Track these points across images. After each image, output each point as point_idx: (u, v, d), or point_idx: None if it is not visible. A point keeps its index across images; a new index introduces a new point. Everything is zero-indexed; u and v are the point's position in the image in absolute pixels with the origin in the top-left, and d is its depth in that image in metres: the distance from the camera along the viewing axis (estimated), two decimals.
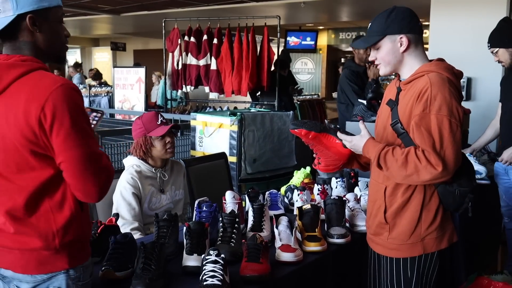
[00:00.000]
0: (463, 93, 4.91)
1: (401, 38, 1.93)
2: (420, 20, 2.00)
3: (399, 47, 1.94)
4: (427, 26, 5.54)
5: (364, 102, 3.50)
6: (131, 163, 2.68)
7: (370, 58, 2.05)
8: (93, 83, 10.30)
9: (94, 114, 1.86)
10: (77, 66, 12.22)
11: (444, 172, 1.77)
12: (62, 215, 1.50)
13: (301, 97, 8.98)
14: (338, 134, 2.05)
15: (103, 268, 1.77)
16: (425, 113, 1.81)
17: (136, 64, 10.54)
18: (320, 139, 2.06)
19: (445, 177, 1.80)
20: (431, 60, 1.99)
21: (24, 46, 1.52)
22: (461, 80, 5.07)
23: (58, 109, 1.42)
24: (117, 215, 2.18)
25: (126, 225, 2.47)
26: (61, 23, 1.60)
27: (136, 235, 2.37)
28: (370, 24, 2.01)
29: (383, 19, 1.95)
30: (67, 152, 1.45)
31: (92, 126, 1.75)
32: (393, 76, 2.11)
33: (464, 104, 4.46)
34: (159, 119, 2.70)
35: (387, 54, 1.96)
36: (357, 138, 1.99)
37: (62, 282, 1.52)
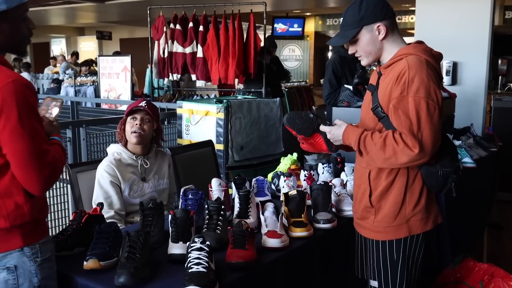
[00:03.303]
0: (449, 77, 4.95)
1: (378, 26, 1.92)
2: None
3: (377, 36, 1.93)
4: (413, 12, 5.53)
5: (350, 87, 3.50)
6: (112, 151, 2.67)
7: (350, 52, 2.03)
8: (79, 68, 10.22)
9: (54, 102, 1.89)
10: (73, 54, 12.17)
11: (421, 154, 1.78)
12: (11, 200, 1.57)
13: (289, 84, 8.97)
14: (321, 127, 2.05)
15: (88, 258, 1.74)
16: (402, 96, 1.82)
17: (116, 53, 10.41)
18: (307, 139, 2.10)
19: (422, 159, 1.81)
20: (409, 43, 1.98)
21: None
22: (447, 64, 5.15)
23: (6, 104, 1.48)
24: (101, 205, 2.15)
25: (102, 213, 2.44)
26: (23, 20, 1.63)
27: (115, 221, 2.35)
28: (342, 17, 1.99)
29: (355, 11, 1.93)
30: (12, 145, 1.52)
31: (53, 115, 1.84)
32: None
33: (450, 88, 4.50)
34: (141, 103, 2.68)
35: (367, 45, 1.95)
36: (335, 128, 2.00)
37: (19, 259, 1.60)
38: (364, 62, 2.02)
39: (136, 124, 2.63)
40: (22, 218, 1.59)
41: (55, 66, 12.39)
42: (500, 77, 11.58)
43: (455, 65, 5.05)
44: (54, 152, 1.63)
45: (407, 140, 1.79)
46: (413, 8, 5.50)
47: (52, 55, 14.83)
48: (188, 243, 1.75)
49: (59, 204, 3.43)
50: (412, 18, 10.42)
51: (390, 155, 1.82)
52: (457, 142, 3.62)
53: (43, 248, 1.64)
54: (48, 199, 3.43)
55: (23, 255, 1.60)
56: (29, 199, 1.61)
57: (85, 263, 1.74)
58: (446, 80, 4.93)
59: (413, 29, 5.44)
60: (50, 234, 3.42)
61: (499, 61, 12.28)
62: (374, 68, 2.14)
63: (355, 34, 1.94)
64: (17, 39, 1.62)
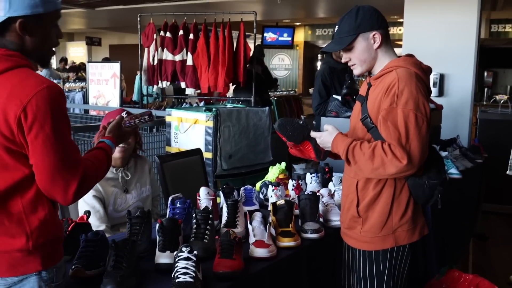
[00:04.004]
0: (436, 89, 5.01)
1: (374, 35, 1.95)
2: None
3: (372, 44, 1.96)
4: (401, 23, 5.60)
5: (339, 98, 3.53)
6: None
7: (343, 60, 2.05)
8: (67, 75, 10.16)
9: (146, 117, 1.95)
10: (61, 60, 12.09)
11: (409, 165, 1.80)
12: (36, 217, 1.46)
13: (278, 93, 9.00)
14: (312, 133, 2.06)
15: (74, 267, 1.73)
16: (392, 107, 1.84)
17: (106, 59, 10.39)
18: (297, 145, 2.11)
19: (410, 170, 1.83)
20: (400, 56, 2.01)
21: (10, 45, 1.48)
22: (434, 76, 5.22)
23: (41, 111, 1.39)
24: (88, 213, 2.14)
25: (93, 229, 2.42)
26: (54, 27, 1.57)
27: (101, 229, 2.33)
28: (337, 26, 2.01)
29: (352, 19, 1.95)
30: (41, 155, 1.42)
31: (136, 124, 1.89)
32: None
33: (437, 100, 4.55)
34: (123, 115, 2.63)
35: (362, 52, 1.97)
36: (326, 134, 2.01)
37: (34, 284, 1.48)
38: (357, 71, 2.03)
39: None
40: (45, 236, 1.48)
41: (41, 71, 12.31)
42: (486, 89, 11.76)
43: (442, 77, 5.11)
44: (87, 161, 1.54)
45: (396, 151, 1.80)
46: (401, 20, 5.56)
47: None
48: (175, 252, 1.75)
49: None
50: (400, 30, 10.54)
51: (378, 166, 1.83)
52: (443, 153, 3.66)
53: (58, 273, 1.54)
54: None
55: (40, 280, 1.48)
56: (54, 214, 1.51)
57: (70, 271, 1.73)
58: (433, 91, 4.98)
59: (401, 40, 5.50)
60: None
61: (485, 74, 12.48)
62: (364, 79, 2.17)
63: (351, 41, 1.96)
64: (46, 45, 1.56)
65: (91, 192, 2.50)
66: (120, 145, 2.58)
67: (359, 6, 1.98)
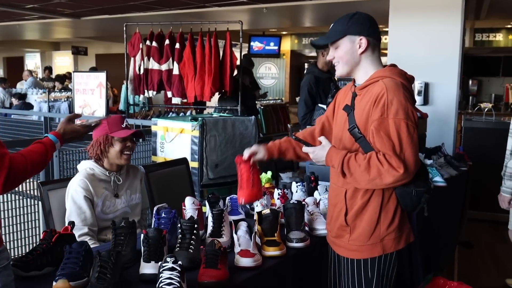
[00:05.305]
0: (421, 97, 5.07)
1: (360, 39, 1.98)
2: (380, 26, 2.07)
3: (357, 48, 1.99)
4: (386, 32, 5.66)
5: (324, 107, 3.55)
6: (85, 166, 2.66)
7: (328, 58, 2.10)
8: (53, 84, 10.09)
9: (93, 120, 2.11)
10: (46, 69, 12.01)
11: (405, 173, 1.83)
12: None
13: (264, 101, 9.02)
14: (304, 148, 2.08)
15: (57, 278, 1.71)
16: (383, 118, 1.86)
17: (93, 69, 10.35)
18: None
19: (407, 178, 1.85)
20: (385, 66, 2.04)
21: None
22: (419, 85, 5.27)
23: None
24: (72, 223, 2.12)
25: (75, 230, 2.41)
26: None
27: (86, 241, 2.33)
28: (332, 25, 2.06)
29: (345, 21, 2.01)
30: None
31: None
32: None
33: (422, 108, 4.60)
34: (124, 123, 2.70)
35: (345, 53, 2.00)
36: (319, 148, 2.02)
37: None
38: (338, 71, 2.06)
39: (128, 145, 2.65)
40: None
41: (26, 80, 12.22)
42: (470, 97, 11.90)
43: (426, 85, 5.17)
44: (18, 155, 1.63)
45: (392, 161, 1.82)
46: (386, 29, 5.62)
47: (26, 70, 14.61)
48: (160, 262, 1.74)
49: (29, 222, 3.35)
50: (385, 39, 10.64)
51: (375, 176, 1.85)
52: (428, 161, 3.69)
53: (1, 256, 1.61)
54: (18, 216, 3.37)
55: None
56: None
57: (54, 283, 1.71)
58: (418, 100, 5.04)
59: (386, 49, 5.56)
60: (20, 253, 3.37)
61: (470, 82, 12.64)
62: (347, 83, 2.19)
63: (338, 38, 2.00)
64: None
65: (82, 192, 2.53)
66: (126, 152, 2.61)
67: (358, 12, 2.03)
